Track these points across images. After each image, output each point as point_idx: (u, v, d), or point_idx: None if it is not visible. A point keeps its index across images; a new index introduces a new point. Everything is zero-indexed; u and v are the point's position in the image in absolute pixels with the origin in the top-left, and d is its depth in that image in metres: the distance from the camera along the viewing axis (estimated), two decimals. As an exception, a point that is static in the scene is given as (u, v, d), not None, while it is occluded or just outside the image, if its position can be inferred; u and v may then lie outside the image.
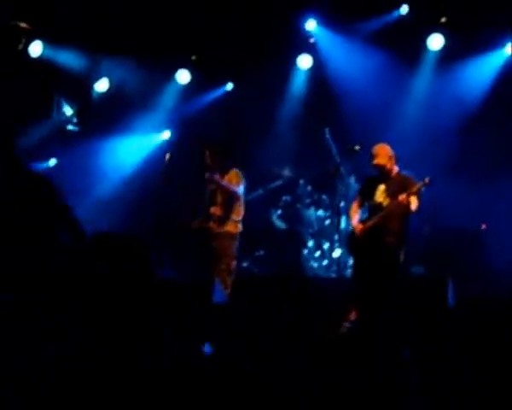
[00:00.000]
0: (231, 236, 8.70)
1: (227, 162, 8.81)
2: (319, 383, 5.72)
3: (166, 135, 11.70)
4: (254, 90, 11.38)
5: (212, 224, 8.72)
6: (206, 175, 8.67)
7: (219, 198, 8.79)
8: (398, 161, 8.25)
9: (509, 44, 10.46)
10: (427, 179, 7.81)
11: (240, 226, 8.76)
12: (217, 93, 11.83)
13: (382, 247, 8.02)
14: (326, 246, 10.45)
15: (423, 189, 7.85)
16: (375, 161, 8.19)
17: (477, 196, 9.86)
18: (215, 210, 8.75)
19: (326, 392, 5.61)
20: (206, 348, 5.84)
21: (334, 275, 10.00)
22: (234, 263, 8.70)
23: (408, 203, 7.83)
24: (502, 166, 10.05)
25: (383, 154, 8.20)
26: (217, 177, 8.68)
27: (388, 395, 6.28)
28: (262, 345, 6.81)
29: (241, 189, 8.74)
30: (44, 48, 10.85)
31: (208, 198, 8.83)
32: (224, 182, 8.71)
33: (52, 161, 11.70)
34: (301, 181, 10.70)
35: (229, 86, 11.86)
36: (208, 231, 8.71)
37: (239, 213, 8.76)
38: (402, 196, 7.84)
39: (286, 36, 10.95)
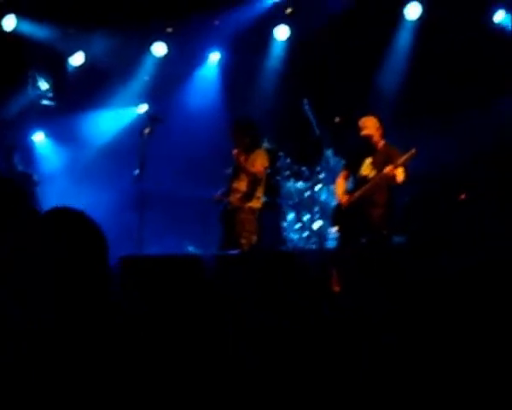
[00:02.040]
0: (253, 211, 8.84)
1: (254, 140, 8.95)
2: (307, 359, 5.74)
3: (143, 108, 11.61)
4: (231, 63, 11.37)
5: (234, 198, 8.83)
6: (234, 151, 8.77)
7: (244, 175, 8.86)
8: (385, 134, 8.32)
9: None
10: (413, 150, 7.87)
11: (261, 203, 8.89)
12: (195, 65, 11.76)
13: (368, 218, 8.09)
14: (306, 218, 10.46)
15: (409, 160, 7.91)
16: (363, 132, 8.27)
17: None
18: (239, 185, 8.86)
19: (315, 367, 5.64)
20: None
21: (314, 247, 10.04)
22: (254, 238, 8.79)
23: (394, 175, 7.89)
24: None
25: (370, 125, 8.29)
26: (241, 158, 8.76)
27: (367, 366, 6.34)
28: (249, 320, 6.83)
29: (262, 170, 8.85)
30: (18, 22, 10.71)
31: (232, 173, 8.93)
32: (245, 164, 8.80)
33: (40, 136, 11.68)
34: (281, 153, 10.69)
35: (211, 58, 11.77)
36: (230, 205, 8.84)
37: (262, 190, 8.90)
38: (388, 168, 7.90)
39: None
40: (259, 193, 8.91)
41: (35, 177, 9.99)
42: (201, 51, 11.63)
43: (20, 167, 10.05)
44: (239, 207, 8.82)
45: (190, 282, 6.96)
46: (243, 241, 8.69)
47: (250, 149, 8.91)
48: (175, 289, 7.03)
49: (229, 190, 8.94)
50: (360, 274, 7.38)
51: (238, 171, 8.90)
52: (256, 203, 8.88)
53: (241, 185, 8.87)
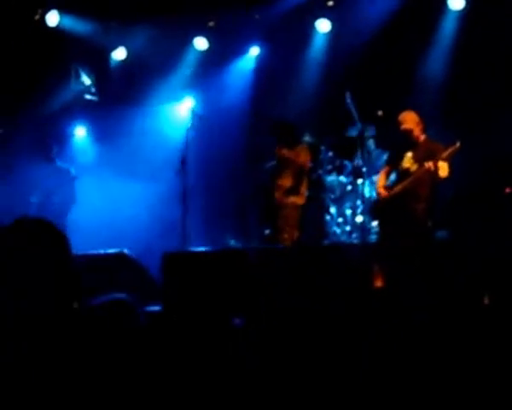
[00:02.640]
0: (297, 206, 8.92)
1: (293, 139, 9.19)
2: (345, 351, 5.72)
3: (188, 103, 11.61)
4: (271, 57, 11.34)
5: (278, 194, 8.92)
6: (276, 149, 8.88)
7: (288, 171, 8.87)
8: (426, 128, 8.26)
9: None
10: (458, 144, 7.78)
11: (305, 198, 8.94)
12: (238, 60, 11.75)
13: (411, 213, 8.04)
14: (348, 212, 10.42)
15: (453, 154, 7.82)
16: (403, 127, 8.24)
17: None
18: (283, 181, 8.94)
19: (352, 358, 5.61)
20: (237, 321, 5.83)
21: (356, 241, 9.99)
22: (296, 233, 8.86)
23: (436, 169, 7.81)
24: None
25: (410, 120, 8.26)
26: (283, 151, 8.93)
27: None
28: (289, 316, 6.82)
29: (307, 162, 8.93)
30: (61, 17, 10.80)
31: (275, 170, 9.01)
32: (294, 155, 8.99)
33: (81, 130, 11.76)
34: (322, 147, 10.64)
35: (252, 52, 11.73)
36: (275, 202, 8.92)
37: (306, 185, 8.97)
38: (430, 162, 7.83)
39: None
40: (303, 188, 8.98)
41: (72, 171, 10.10)
42: (242, 45, 11.61)
43: (58, 162, 10.18)
44: (283, 202, 8.88)
45: (234, 275, 6.99)
46: (285, 236, 8.76)
47: (292, 145, 8.99)
48: (219, 283, 7.06)
49: (274, 187, 9.01)
50: (403, 269, 7.35)
51: (281, 167, 8.96)
52: (299, 199, 8.95)
53: (285, 181, 8.97)
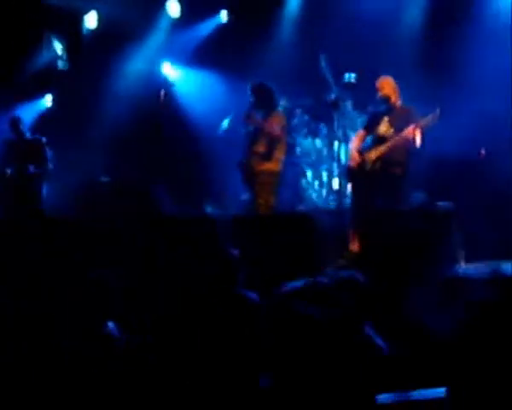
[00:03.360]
0: (272, 173, 8.83)
1: (270, 102, 8.97)
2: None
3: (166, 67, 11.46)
4: (245, 21, 11.23)
5: (253, 161, 8.84)
6: (246, 114, 8.77)
7: (262, 136, 8.82)
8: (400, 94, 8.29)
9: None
10: (437, 111, 7.84)
11: (281, 165, 8.84)
12: (210, 25, 11.63)
13: (389, 177, 8.07)
14: (325, 176, 10.40)
15: (432, 122, 7.88)
16: (381, 93, 8.30)
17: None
18: (257, 147, 8.86)
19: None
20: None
21: (333, 205, 9.99)
22: (272, 199, 8.80)
23: (414, 136, 7.87)
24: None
25: (387, 86, 8.33)
26: (258, 119, 8.84)
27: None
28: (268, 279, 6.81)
29: (279, 128, 8.82)
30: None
31: (251, 136, 8.91)
32: (264, 124, 8.79)
33: (48, 98, 11.65)
34: (298, 110, 10.58)
35: (222, 16, 11.62)
36: (250, 168, 8.84)
37: (282, 151, 8.87)
38: (409, 130, 7.89)
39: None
40: (279, 154, 8.89)
41: (43, 140, 10.22)
42: (213, 8, 11.49)
43: (28, 135, 10.36)
44: (259, 170, 8.82)
45: (205, 242, 6.98)
46: (260, 201, 8.71)
47: (269, 110, 8.91)
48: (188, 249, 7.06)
49: (249, 154, 8.94)
50: (380, 237, 7.35)
51: (256, 133, 8.89)
52: (275, 165, 8.86)
53: (260, 147, 8.87)
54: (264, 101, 8.92)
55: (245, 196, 9.44)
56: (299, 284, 5.61)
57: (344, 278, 5.23)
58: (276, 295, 4.88)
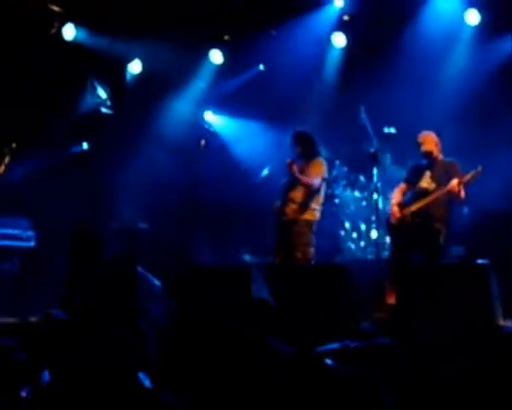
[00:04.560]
0: (308, 223, 8.78)
1: (311, 151, 8.94)
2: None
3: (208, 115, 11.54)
4: (286, 70, 11.29)
5: (289, 209, 8.80)
6: (287, 161, 8.73)
7: (300, 185, 8.86)
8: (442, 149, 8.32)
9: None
10: (479, 168, 7.87)
11: (318, 215, 8.82)
12: (250, 73, 11.73)
13: (429, 232, 8.05)
14: (363, 227, 10.38)
15: (474, 178, 7.90)
16: (424, 148, 8.38)
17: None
18: (295, 196, 8.83)
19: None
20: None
21: (371, 256, 9.95)
22: (311, 250, 8.75)
23: (459, 191, 7.89)
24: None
25: (430, 140, 8.39)
26: (294, 167, 8.75)
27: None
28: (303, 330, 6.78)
29: (317, 181, 8.77)
30: (77, 31, 10.84)
31: (288, 183, 8.90)
32: (299, 174, 8.76)
33: (84, 145, 11.76)
34: (337, 162, 10.61)
35: (261, 67, 11.73)
36: (286, 216, 8.79)
37: (318, 201, 8.84)
38: (453, 185, 7.88)
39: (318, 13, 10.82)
40: (315, 205, 8.85)
41: None
42: (255, 60, 11.60)
43: None
44: (294, 218, 8.77)
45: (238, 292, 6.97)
46: (298, 254, 8.64)
47: (307, 159, 8.89)
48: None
49: (285, 201, 8.90)
50: (415, 290, 7.28)
51: (294, 181, 8.87)
52: (311, 215, 8.82)
53: (297, 196, 8.83)
54: (305, 149, 8.91)
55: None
56: (333, 346, 5.66)
57: (375, 344, 5.25)
58: (311, 353, 4.89)
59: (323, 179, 8.96)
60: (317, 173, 8.86)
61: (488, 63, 10.27)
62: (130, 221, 10.68)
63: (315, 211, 8.87)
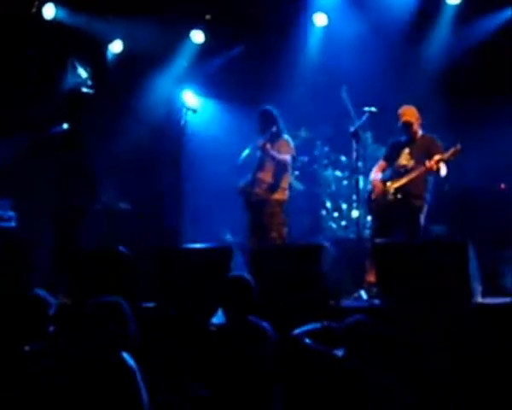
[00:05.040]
0: (280, 203, 8.77)
1: (278, 129, 8.86)
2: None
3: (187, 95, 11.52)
4: (267, 51, 11.26)
5: (259, 190, 8.77)
6: (258, 142, 8.70)
7: (269, 165, 8.77)
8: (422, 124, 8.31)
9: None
10: (458, 146, 7.86)
11: (288, 194, 8.81)
12: (232, 53, 11.68)
13: (409, 210, 8.07)
14: (344, 206, 10.41)
15: (453, 156, 7.89)
16: (403, 119, 8.30)
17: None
18: (264, 176, 8.80)
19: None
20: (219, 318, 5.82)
21: (352, 236, 9.99)
22: (285, 230, 8.76)
23: (437, 169, 7.88)
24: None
25: (410, 113, 8.33)
26: (267, 145, 8.68)
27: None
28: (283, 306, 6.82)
29: (289, 158, 8.78)
30: (57, 10, 10.77)
31: (257, 163, 8.87)
32: (273, 151, 8.67)
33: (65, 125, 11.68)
34: (318, 142, 10.61)
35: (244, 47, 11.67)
36: (255, 197, 8.77)
37: (287, 180, 8.83)
38: (431, 163, 7.87)
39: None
40: (285, 184, 8.80)
41: None
42: (236, 39, 11.55)
43: None
44: (266, 199, 8.74)
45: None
46: (274, 234, 8.63)
47: (275, 138, 8.82)
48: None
49: (254, 181, 8.85)
50: (394, 268, 7.32)
51: (263, 161, 8.82)
52: (282, 195, 8.78)
53: (267, 176, 8.79)
54: (269, 127, 8.86)
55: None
56: (311, 327, 5.72)
57: (351, 323, 5.33)
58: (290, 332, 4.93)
59: (293, 157, 8.91)
60: (288, 151, 8.82)
61: (469, 41, 10.27)
62: (113, 202, 10.66)
63: (285, 190, 8.83)
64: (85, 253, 8.14)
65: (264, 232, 8.73)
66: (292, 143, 8.92)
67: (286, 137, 8.96)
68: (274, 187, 8.78)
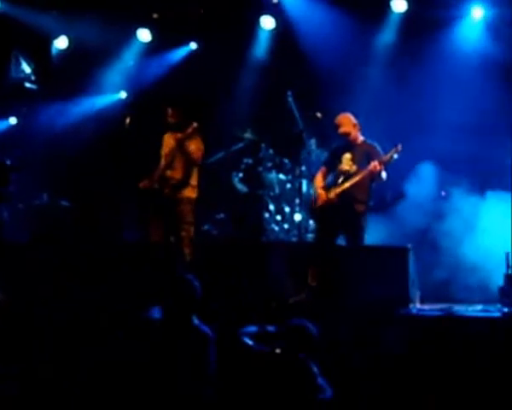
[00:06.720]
0: (190, 201, 8.62)
1: (190, 124, 8.65)
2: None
3: (123, 95, 11.47)
4: (215, 51, 11.25)
5: (168, 188, 8.57)
6: (177, 137, 8.57)
7: (178, 162, 8.68)
8: (361, 129, 8.36)
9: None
10: (399, 146, 7.93)
11: (197, 191, 8.67)
12: (178, 53, 11.66)
13: (352, 214, 8.11)
14: (287, 210, 10.45)
15: (394, 156, 7.96)
16: (341, 130, 8.33)
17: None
18: (173, 173, 8.63)
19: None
20: (156, 314, 5.76)
21: (294, 239, 10.04)
22: (192, 229, 8.63)
23: (380, 171, 7.94)
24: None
25: (347, 122, 8.35)
26: (186, 141, 8.57)
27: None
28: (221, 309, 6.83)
29: (200, 156, 8.68)
30: (1, 3, 10.63)
31: (164, 160, 8.71)
32: (191, 147, 8.58)
33: (12, 120, 11.56)
34: (263, 144, 10.63)
35: (192, 46, 11.67)
36: (164, 196, 8.57)
37: (196, 178, 8.68)
38: (374, 164, 7.93)
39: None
40: (195, 181, 8.64)
41: (8, 162, 9.99)
42: (183, 38, 11.55)
43: None
44: (176, 199, 8.56)
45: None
46: (183, 234, 8.48)
47: (182, 131, 8.65)
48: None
49: (162, 179, 8.70)
50: (337, 272, 7.40)
51: (171, 159, 8.62)
52: (193, 193, 8.60)
53: (176, 174, 8.61)
54: (184, 122, 8.64)
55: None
56: (252, 329, 5.76)
57: (293, 326, 5.40)
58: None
59: (203, 155, 8.79)
60: (199, 149, 8.71)
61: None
62: (52, 199, 10.53)
63: (195, 188, 8.66)
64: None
65: (173, 231, 8.60)
66: (201, 140, 8.73)
67: (197, 133, 8.72)
68: (184, 184, 8.49)
